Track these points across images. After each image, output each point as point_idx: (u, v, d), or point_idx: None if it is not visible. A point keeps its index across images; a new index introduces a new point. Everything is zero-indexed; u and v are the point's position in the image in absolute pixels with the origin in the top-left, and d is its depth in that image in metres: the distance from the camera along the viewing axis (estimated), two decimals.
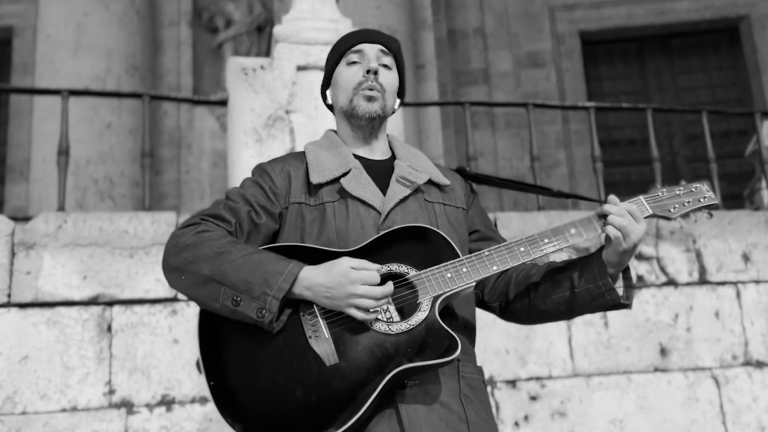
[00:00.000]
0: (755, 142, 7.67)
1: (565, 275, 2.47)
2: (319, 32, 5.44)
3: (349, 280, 2.12)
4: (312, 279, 2.16)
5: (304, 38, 5.45)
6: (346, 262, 2.17)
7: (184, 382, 4.70)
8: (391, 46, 2.67)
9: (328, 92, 2.73)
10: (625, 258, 2.37)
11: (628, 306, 2.45)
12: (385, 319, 2.18)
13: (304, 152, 2.63)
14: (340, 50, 2.67)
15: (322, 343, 2.16)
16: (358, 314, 2.14)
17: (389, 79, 2.62)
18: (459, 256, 2.30)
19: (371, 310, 2.15)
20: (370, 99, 2.54)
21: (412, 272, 2.26)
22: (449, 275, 2.25)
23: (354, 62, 2.61)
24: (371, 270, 2.15)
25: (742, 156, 9.53)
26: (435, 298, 2.22)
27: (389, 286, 2.15)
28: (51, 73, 9.79)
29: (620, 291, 2.44)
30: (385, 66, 2.62)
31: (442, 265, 2.27)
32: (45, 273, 4.74)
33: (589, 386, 5.29)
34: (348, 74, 2.61)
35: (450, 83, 12.66)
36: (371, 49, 2.62)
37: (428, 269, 2.26)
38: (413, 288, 2.24)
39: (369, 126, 2.60)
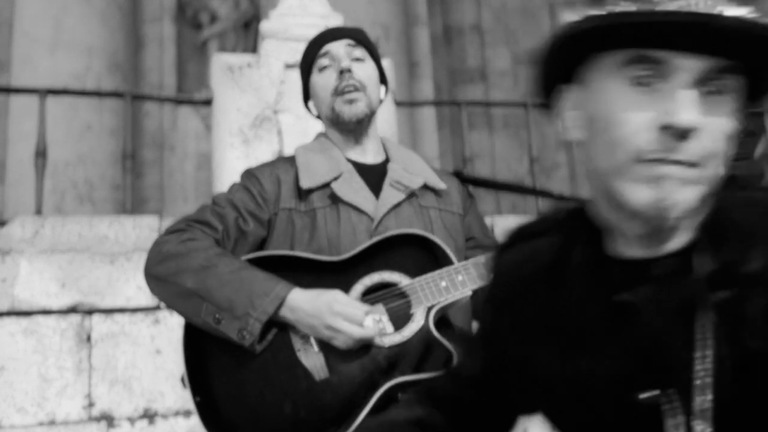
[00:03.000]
0: (766, 143, 7.69)
1: None
2: (309, 28, 5.41)
3: (331, 312, 2.12)
4: (297, 303, 2.15)
5: (293, 35, 5.46)
6: (336, 293, 2.17)
7: (167, 395, 4.70)
8: (357, 36, 2.67)
9: (310, 104, 2.73)
10: None
11: None
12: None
13: (293, 156, 2.63)
14: (308, 59, 2.67)
15: (312, 356, 2.15)
16: (340, 345, 2.14)
17: (366, 71, 2.61)
18: (455, 264, 2.30)
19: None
20: (351, 102, 2.54)
21: (404, 281, 2.25)
22: (444, 284, 2.25)
23: (325, 67, 2.61)
24: (358, 309, 2.15)
25: (751, 158, 9.53)
26: (429, 309, 2.22)
27: (369, 331, 2.14)
28: (28, 71, 9.76)
29: None
30: (358, 59, 2.62)
31: (436, 273, 2.26)
32: (21, 280, 4.73)
33: None
34: (322, 81, 2.61)
35: (445, 82, 12.67)
36: (338, 48, 2.61)
37: (421, 277, 2.25)
38: (406, 298, 2.24)
39: (358, 128, 2.60)
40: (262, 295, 2.15)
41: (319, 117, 2.74)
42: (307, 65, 2.67)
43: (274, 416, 2.12)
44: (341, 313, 2.12)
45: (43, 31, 9.94)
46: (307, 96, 2.74)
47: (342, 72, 2.55)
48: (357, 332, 2.11)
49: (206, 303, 2.16)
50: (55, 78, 9.46)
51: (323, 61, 2.61)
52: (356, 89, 2.55)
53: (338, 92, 2.55)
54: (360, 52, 2.63)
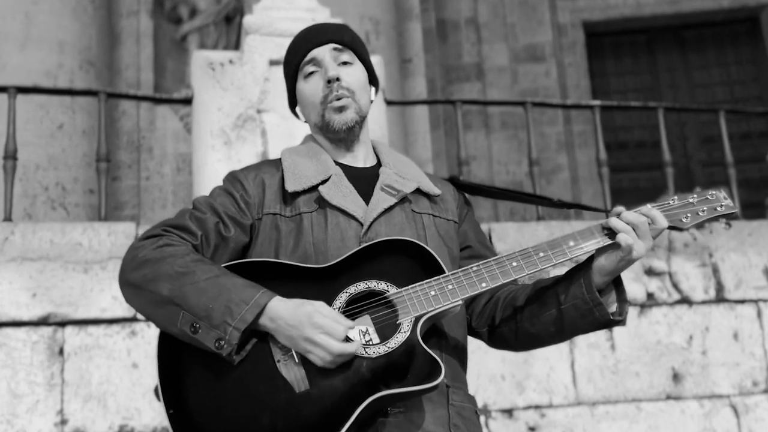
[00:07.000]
0: None
1: (551, 292, 2.47)
2: (295, 23, 5.44)
3: (311, 324, 2.11)
4: (278, 311, 2.16)
5: (278, 29, 5.47)
6: (319, 305, 2.16)
7: (144, 411, 4.70)
8: (343, 39, 2.67)
9: (297, 109, 2.74)
10: (621, 267, 2.38)
11: (621, 323, 2.43)
12: (362, 342, 2.19)
13: (279, 159, 2.64)
14: (293, 65, 2.68)
15: (292, 367, 2.16)
16: (316, 360, 2.14)
17: (355, 75, 2.62)
18: (445, 273, 2.31)
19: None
20: (341, 109, 2.56)
21: (392, 290, 2.26)
22: (433, 293, 2.25)
23: (311, 73, 2.62)
24: (340, 324, 2.14)
25: (763, 160, 9.58)
26: (417, 319, 2.22)
27: (351, 347, 2.13)
28: None
29: (613, 306, 2.43)
30: (345, 63, 2.62)
31: (425, 282, 2.27)
32: None
33: (594, 416, 5.31)
34: (309, 89, 2.62)
35: (440, 79, 12.67)
36: (324, 53, 2.62)
37: (410, 286, 2.26)
38: (393, 307, 2.24)
39: (349, 135, 2.62)
40: (241, 303, 2.15)
41: (306, 122, 2.75)
42: (292, 71, 2.68)
43: (251, 429, 2.13)
44: (322, 326, 2.11)
45: (13, 25, 9.92)
46: (293, 101, 2.74)
47: (329, 81, 2.56)
48: (336, 347, 2.10)
49: (183, 311, 2.17)
50: (25, 75, 9.43)
51: (309, 68, 2.62)
52: (345, 96, 2.57)
53: (327, 102, 2.57)
54: (347, 55, 2.64)
